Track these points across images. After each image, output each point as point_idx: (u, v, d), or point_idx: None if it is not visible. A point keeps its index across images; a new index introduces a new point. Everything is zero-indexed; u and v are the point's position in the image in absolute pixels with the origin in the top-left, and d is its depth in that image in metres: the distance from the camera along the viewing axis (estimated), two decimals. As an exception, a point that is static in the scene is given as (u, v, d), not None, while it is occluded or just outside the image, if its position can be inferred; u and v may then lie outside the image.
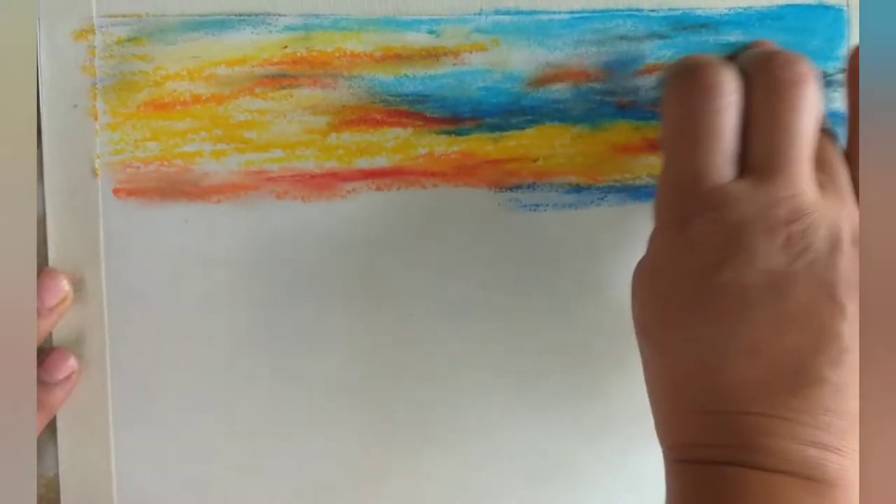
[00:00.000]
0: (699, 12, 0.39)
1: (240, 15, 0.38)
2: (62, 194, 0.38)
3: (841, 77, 0.39)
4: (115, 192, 0.38)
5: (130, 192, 0.38)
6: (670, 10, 0.39)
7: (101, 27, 0.38)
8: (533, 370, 0.40)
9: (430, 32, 0.38)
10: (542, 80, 0.39)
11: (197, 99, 0.38)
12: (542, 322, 0.39)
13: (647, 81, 0.39)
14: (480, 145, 0.39)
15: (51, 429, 0.39)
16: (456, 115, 0.39)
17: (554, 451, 0.40)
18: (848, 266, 0.31)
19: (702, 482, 0.31)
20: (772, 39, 0.39)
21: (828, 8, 0.39)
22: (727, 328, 0.31)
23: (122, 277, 0.38)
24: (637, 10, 0.39)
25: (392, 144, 0.39)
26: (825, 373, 0.30)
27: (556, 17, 0.38)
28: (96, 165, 0.38)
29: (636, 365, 0.40)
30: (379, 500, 0.40)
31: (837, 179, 0.33)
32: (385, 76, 0.38)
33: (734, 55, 0.37)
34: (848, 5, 0.39)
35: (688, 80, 0.33)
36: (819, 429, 0.30)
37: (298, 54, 0.38)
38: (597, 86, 0.39)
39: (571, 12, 0.38)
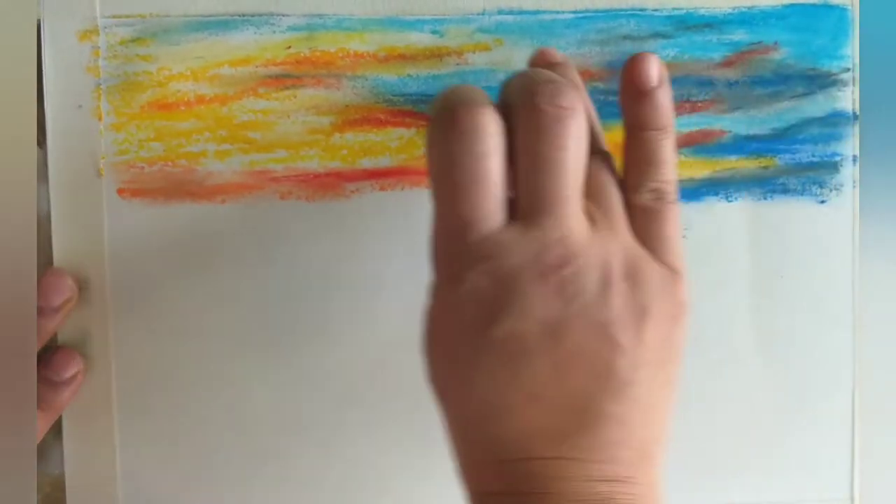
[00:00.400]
0: (703, 12, 0.39)
1: (243, 15, 0.38)
2: (66, 194, 0.38)
3: (845, 76, 0.39)
4: (120, 192, 0.38)
5: (135, 193, 0.38)
6: (674, 9, 0.39)
7: (105, 28, 0.38)
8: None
9: (434, 32, 0.38)
10: (545, 80, 0.39)
11: (201, 99, 0.38)
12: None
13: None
14: (484, 145, 0.39)
15: (56, 428, 0.39)
16: (459, 115, 0.38)
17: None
18: (620, 302, 0.30)
19: None
20: (776, 39, 0.39)
21: (832, 7, 0.39)
22: (508, 379, 0.30)
23: (126, 277, 0.38)
24: (641, 9, 0.39)
25: (396, 144, 0.39)
26: (608, 408, 0.30)
27: (560, 16, 0.38)
28: (101, 165, 0.38)
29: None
30: (383, 498, 0.40)
31: (609, 209, 0.31)
32: (388, 76, 0.38)
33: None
34: (852, 4, 0.39)
35: (445, 125, 0.30)
36: (607, 463, 0.30)
37: (302, 54, 0.38)
38: (600, 85, 0.39)
39: (575, 12, 0.38)
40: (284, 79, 0.38)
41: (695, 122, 0.39)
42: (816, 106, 0.39)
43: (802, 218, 0.40)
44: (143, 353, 0.39)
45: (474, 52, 0.38)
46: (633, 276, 0.30)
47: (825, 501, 0.40)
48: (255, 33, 0.38)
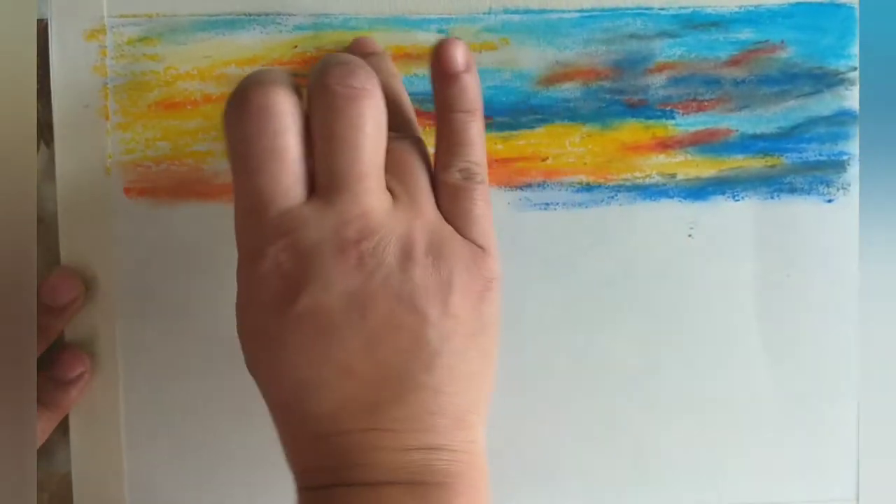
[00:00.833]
0: (709, 10, 0.39)
1: (250, 15, 0.38)
2: (74, 193, 0.38)
3: (852, 75, 0.39)
4: (127, 191, 0.38)
5: (142, 192, 0.38)
6: (680, 8, 0.39)
7: (112, 27, 0.38)
8: (538, 367, 0.40)
9: (440, 32, 0.38)
10: (551, 79, 0.39)
11: (207, 98, 0.38)
12: (550, 320, 0.39)
13: (657, 80, 0.39)
14: (490, 144, 0.39)
15: (63, 427, 0.39)
16: (465, 114, 0.39)
17: (558, 449, 0.40)
18: (424, 275, 0.31)
19: None
20: (783, 37, 0.39)
21: (839, 6, 0.39)
22: (318, 354, 0.30)
23: (133, 276, 0.39)
24: (647, 8, 0.39)
25: (402, 143, 0.39)
26: (421, 378, 0.31)
27: (566, 15, 0.38)
28: (108, 165, 0.38)
29: (643, 362, 0.40)
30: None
31: (413, 187, 0.32)
32: (395, 75, 0.38)
33: None
34: (858, 3, 0.39)
35: (240, 104, 0.31)
36: (423, 432, 0.31)
37: (308, 54, 0.38)
38: (606, 84, 0.39)
39: (581, 11, 0.38)
40: (291, 78, 0.38)
41: (701, 121, 0.39)
42: (823, 105, 0.39)
43: (809, 217, 0.39)
44: (149, 351, 0.39)
45: (480, 52, 0.38)
46: (436, 251, 0.31)
47: (830, 502, 0.40)
48: (262, 33, 0.38)
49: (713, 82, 0.39)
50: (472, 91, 0.33)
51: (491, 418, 0.40)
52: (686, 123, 0.39)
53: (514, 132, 0.39)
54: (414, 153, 0.33)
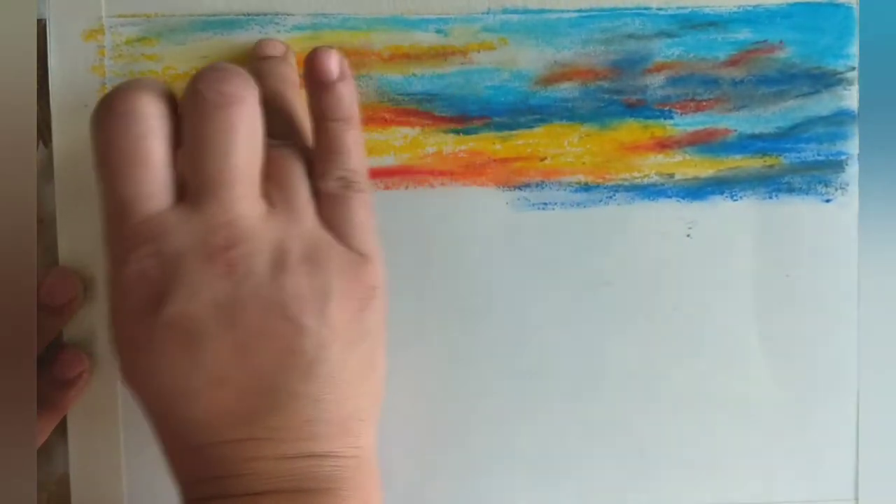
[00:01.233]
0: (707, 10, 0.39)
1: (248, 15, 0.38)
2: (72, 194, 0.38)
3: (850, 75, 0.39)
4: (125, 191, 0.38)
5: (140, 192, 0.38)
6: (679, 8, 0.39)
7: (111, 27, 0.38)
8: (538, 368, 0.40)
9: (438, 32, 0.38)
10: (550, 79, 0.39)
11: (206, 98, 0.38)
12: (548, 320, 0.39)
13: (656, 80, 0.39)
14: (488, 144, 0.39)
15: (61, 427, 0.39)
16: (464, 114, 0.39)
17: (559, 449, 0.40)
18: (297, 284, 0.30)
19: None
20: (781, 37, 0.39)
21: (837, 6, 0.39)
22: (187, 363, 0.30)
23: (131, 276, 0.39)
24: (645, 8, 0.39)
25: (400, 143, 0.39)
26: (298, 388, 0.30)
27: (564, 15, 0.38)
28: (106, 165, 0.38)
29: (642, 363, 0.40)
30: (387, 497, 0.40)
31: (291, 195, 0.32)
32: (393, 75, 0.38)
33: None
34: (857, 3, 0.39)
35: (103, 110, 0.31)
36: (304, 440, 0.31)
37: (307, 54, 0.38)
38: (605, 84, 0.39)
39: (579, 11, 0.38)
40: (289, 78, 0.38)
41: (700, 121, 0.39)
42: (822, 105, 0.39)
43: (807, 217, 0.39)
44: (148, 351, 0.39)
45: (479, 52, 0.38)
46: (313, 259, 0.31)
47: (829, 502, 0.40)
48: (261, 33, 0.38)
49: (711, 82, 0.39)
50: (347, 99, 0.33)
51: (490, 418, 0.40)
52: (684, 123, 0.39)
53: (513, 132, 0.39)
54: (294, 161, 0.33)
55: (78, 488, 0.39)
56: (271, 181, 0.32)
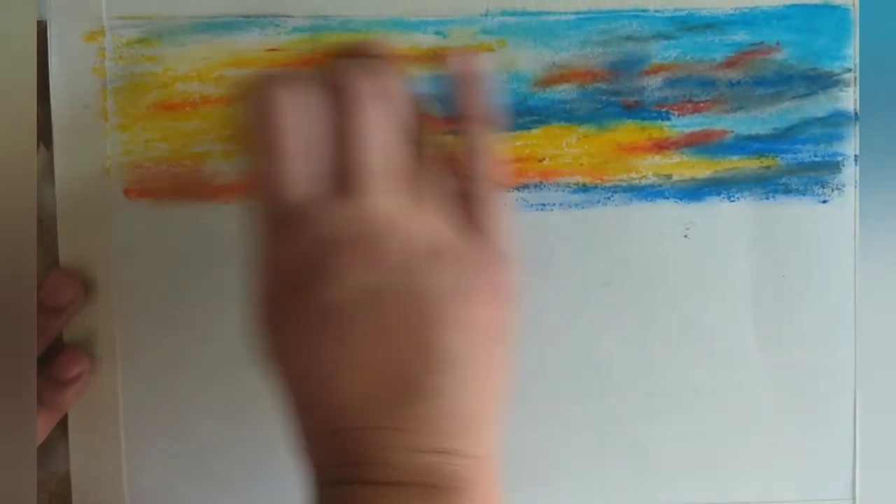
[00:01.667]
0: (704, 12, 0.39)
1: (248, 17, 0.38)
2: (73, 195, 0.38)
3: (847, 76, 0.39)
4: (126, 192, 0.38)
5: (141, 193, 0.39)
6: (676, 10, 0.39)
7: (112, 29, 0.38)
8: (536, 368, 0.40)
9: (437, 34, 0.38)
10: (548, 81, 0.39)
11: (206, 100, 0.38)
12: (546, 321, 0.39)
13: (653, 81, 0.39)
14: (487, 145, 0.39)
15: (62, 426, 0.39)
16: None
17: (556, 449, 0.40)
18: (442, 277, 0.31)
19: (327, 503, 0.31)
20: (778, 39, 0.39)
21: (834, 8, 0.39)
22: (331, 348, 0.30)
23: (132, 277, 0.39)
24: (642, 10, 0.39)
25: (399, 145, 0.39)
26: (433, 382, 0.30)
27: (562, 17, 0.39)
28: (107, 166, 0.38)
29: (640, 363, 0.40)
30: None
31: (437, 192, 0.33)
32: (392, 77, 0.38)
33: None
34: (854, 5, 0.39)
35: (263, 93, 0.31)
36: (435, 434, 0.31)
37: (307, 56, 0.38)
38: (603, 86, 0.39)
39: (577, 13, 0.39)
40: (289, 80, 0.38)
41: (697, 123, 0.39)
42: (818, 106, 0.39)
43: (804, 218, 0.40)
44: (148, 352, 0.39)
45: (477, 54, 0.39)
46: (457, 256, 0.31)
47: (827, 502, 0.40)
48: (261, 34, 0.38)
49: (708, 84, 0.39)
50: (485, 102, 0.34)
51: (488, 418, 0.40)
52: (682, 125, 0.39)
53: (511, 133, 0.39)
54: (438, 159, 0.33)
55: (79, 488, 0.39)
56: (418, 177, 0.32)
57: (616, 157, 0.39)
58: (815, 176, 0.39)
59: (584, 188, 0.39)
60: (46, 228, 0.38)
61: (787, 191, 0.40)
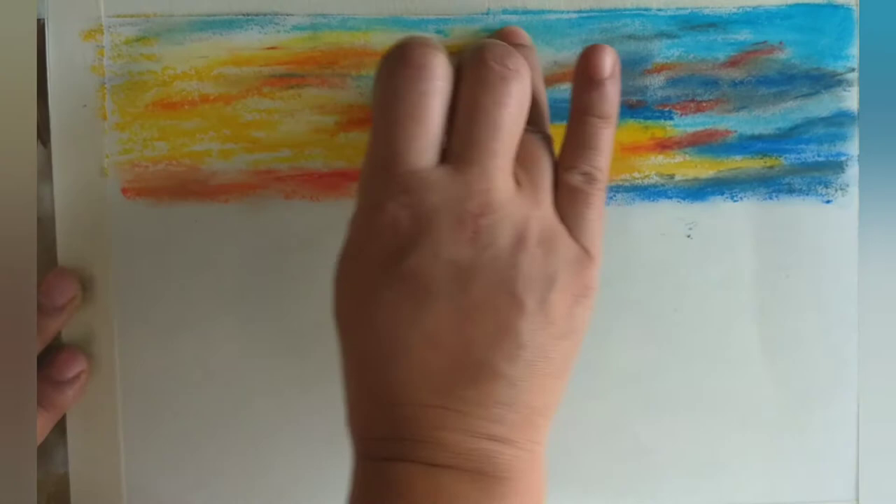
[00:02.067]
0: (707, 11, 0.39)
1: (248, 15, 0.38)
2: (71, 194, 0.38)
3: (850, 76, 0.39)
4: (124, 191, 0.38)
5: (139, 192, 0.38)
6: (678, 9, 0.39)
7: (110, 27, 0.38)
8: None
9: (439, 32, 0.38)
10: (549, 80, 0.39)
11: (205, 98, 0.38)
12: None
13: (656, 81, 0.39)
14: (488, 145, 0.39)
15: (61, 427, 0.39)
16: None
17: (557, 449, 0.40)
18: (531, 264, 0.31)
19: (374, 479, 0.31)
20: (781, 38, 0.39)
21: (837, 7, 0.39)
22: (408, 317, 0.30)
23: (130, 277, 0.39)
24: (645, 9, 0.39)
25: (400, 144, 0.39)
26: (501, 367, 0.30)
27: (564, 16, 0.38)
28: (105, 165, 0.38)
29: (643, 363, 0.40)
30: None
31: (538, 179, 0.33)
32: (393, 75, 0.38)
33: None
34: (857, 4, 0.39)
35: (396, 60, 0.32)
36: (491, 421, 0.31)
37: (306, 54, 0.38)
38: (605, 85, 0.39)
39: (579, 12, 0.38)
40: (289, 78, 0.38)
41: (700, 122, 0.39)
42: (821, 106, 0.39)
43: (807, 218, 0.39)
44: (147, 352, 0.39)
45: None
46: (546, 245, 0.32)
47: (829, 502, 0.40)
48: (260, 33, 0.38)
49: (711, 83, 0.39)
50: (612, 98, 0.34)
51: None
52: (684, 124, 0.39)
53: (513, 133, 0.39)
54: (543, 148, 0.34)
55: (77, 488, 0.39)
56: (521, 163, 0.33)
57: (618, 156, 0.39)
58: (818, 176, 0.39)
59: (586, 188, 0.39)
60: (44, 228, 0.38)
61: (791, 191, 0.39)
